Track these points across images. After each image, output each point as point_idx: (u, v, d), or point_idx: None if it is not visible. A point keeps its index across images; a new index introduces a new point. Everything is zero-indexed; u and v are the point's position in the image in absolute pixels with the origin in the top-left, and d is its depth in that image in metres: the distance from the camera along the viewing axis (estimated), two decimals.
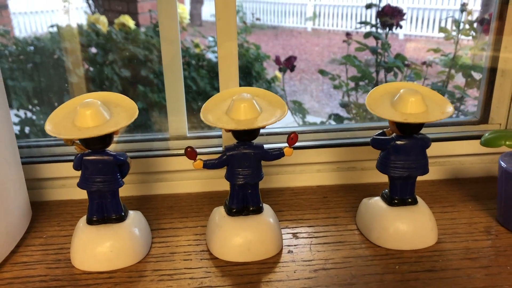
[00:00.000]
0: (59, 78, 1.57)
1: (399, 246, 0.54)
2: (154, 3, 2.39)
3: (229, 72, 0.64)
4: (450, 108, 0.50)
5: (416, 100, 0.50)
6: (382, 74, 1.55)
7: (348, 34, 1.82)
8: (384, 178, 0.55)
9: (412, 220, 0.54)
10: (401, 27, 1.63)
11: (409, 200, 0.55)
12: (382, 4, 1.54)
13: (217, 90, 1.32)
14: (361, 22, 1.86)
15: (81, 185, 0.51)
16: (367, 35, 1.57)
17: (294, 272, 0.50)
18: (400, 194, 0.55)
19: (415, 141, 0.52)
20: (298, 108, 1.78)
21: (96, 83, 1.66)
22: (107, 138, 0.49)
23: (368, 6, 1.90)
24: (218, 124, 0.49)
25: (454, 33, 1.38)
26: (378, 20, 1.62)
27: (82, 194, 0.63)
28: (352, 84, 1.58)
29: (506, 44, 0.69)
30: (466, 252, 0.53)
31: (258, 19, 5.10)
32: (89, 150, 0.50)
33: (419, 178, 0.55)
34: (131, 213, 0.55)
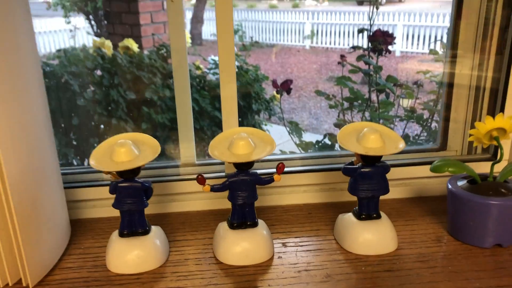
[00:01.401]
0: (67, 101, 1.71)
1: (366, 252, 0.68)
2: (157, 27, 2.54)
3: (231, 110, 0.79)
4: (401, 144, 0.65)
5: (376, 137, 0.65)
6: (375, 94, 1.71)
7: (342, 56, 1.98)
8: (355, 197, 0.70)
9: (376, 231, 0.69)
10: (390, 52, 1.79)
11: (374, 215, 0.70)
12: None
13: (217, 109, 1.51)
14: (353, 47, 2.02)
15: (115, 205, 0.66)
16: (359, 58, 1.73)
17: (282, 272, 0.65)
18: (366, 211, 0.69)
19: (376, 168, 0.67)
20: (295, 128, 1.93)
21: (103, 105, 1.80)
22: (136, 170, 0.65)
23: (360, 31, 2.08)
24: (222, 158, 0.64)
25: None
26: (369, 44, 1.79)
27: (109, 213, 0.79)
28: (347, 104, 1.73)
29: (458, 81, 0.85)
30: (418, 256, 0.68)
31: (256, 42, 5.27)
32: (122, 179, 0.65)
33: (387, 197, 0.70)
34: (153, 227, 0.70)
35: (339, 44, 6.28)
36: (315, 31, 6.51)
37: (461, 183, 0.71)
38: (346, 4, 7.70)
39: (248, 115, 2.05)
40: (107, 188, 0.67)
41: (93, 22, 2.67)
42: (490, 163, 0.71)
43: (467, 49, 0.83)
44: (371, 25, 1.82)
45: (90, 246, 0.73)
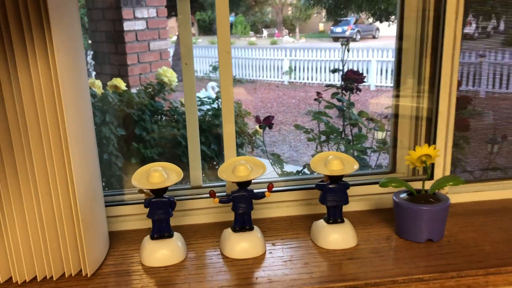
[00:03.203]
0: None
1: (333, 247, 0.94)
2: (144, 66, 2.75)
3: (231, 143, 1.05)
4: (356, 166, 0.93)
5: (337, 162, 0.92)
6: (350, 127, 1.98)
7: (318, 93, 2.27)
8: (325, 209, 0.97)
9: (341, 231, 0.95)
10: (360, 90, 2.09)
11: (339, 220, 0.96)
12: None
13: (203, 144, 1.81)
14: (327, 85, 2.30)
15: (149, 215, 0.91)
16: (333, 95, 2.02)
17: (273, 262, 0.90)
18: (333, 217, 0.96)
19: (339, 185, 0.94)
20: (277, 160, 2.20)
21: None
22: (165, 189, 0.90)
23: (334, 71, 2.40)
24: (229, 179, 0.90)
25: None
26: (342, 83, 2.08)
27: (133, 226, 1.04)
28: (324, 137, 2.01)
29: (401, 111, 1.13)
30: (372, 249, 0.94)
31: (239, 80, 5.59)
32: (154, 195, 0.91)
33: (351, 209, 0.97)
34: (175, 233, 0.95)
35: (316, 79, 6.65)
36: (293, 67, 6.86)
37: (402, 195, 0.98)
38: (322, 41, 8.15)
39: None
40: (132, 206, 0.92)
41: None
42: (428, 181, 0.99)
43: (407, 83, 1.12)
44: (343, 66, 2.13)
45: (125, 250, 0.97)
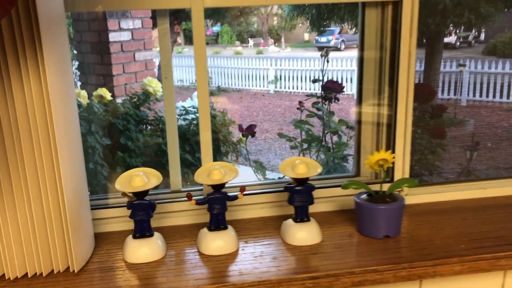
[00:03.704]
0: None
1: (300, 243, 1.04)
2: (129, 77, 2.81)
3: (207, 150, 1.15)
4: (319, 169, 1.03)
5: (303, 166, 1.03)
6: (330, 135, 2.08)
7: (300, 103, 2.38)
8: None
9: (307, 230, 1.05)
10: (338, 100, 2.20)
11: (305, 219, 1.06)
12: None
13: (188, 153, 1.91)
14: (308, 95, 2.41)
15: (131, 216, 1.00)
16: (314, 104, 2.13)
17: (245, 258, 1.00)
18: (300, 216, 1.06)
19: (305, 187, 1.05)
20: (259, 167, 2.30)
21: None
22: (146, 192, 1.00)
23: (314, 81, 2.50)
24: (205, 182, 1.00)
25: None
26: (322, 92, 2.19)
27: (117, 228, 1.12)
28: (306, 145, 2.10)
29: (364, 118, 1.24)
30: (335, 245, 1.04)
31: (223, 90, 5.69)
32: (135, 198, 1.00)
33: (318, 210, 1.07)
34: (155, 233, 1.04)
35: (301, 88, 6.77)
36: (279, 77, 6.98)
37: (362, 196, 1.09)
38: (307, 50, 8.30)
39: (217, 157, 2.35)
40: (115, 209, 1.02)
41: None
42: (387, 183, 1.10)
43: (369, 91, 1.23)
44: (323, 76, 2.24)
45: (110, 248, 1.07)
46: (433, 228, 1.10)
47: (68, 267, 0.96)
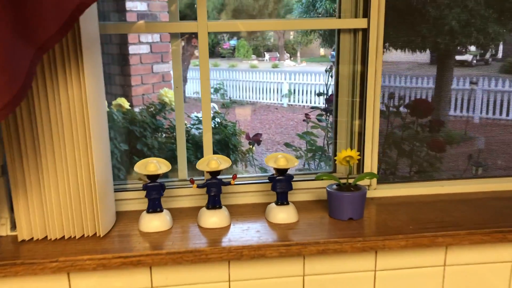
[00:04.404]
0: None
1: (280, 222, 1.31)
2: (147, 87, 3.03)
3: (209, 147, 1.43)
4: (296, 163, 1.30)
5: (283, 160, 1.30)
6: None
7: (306, 115, 2.64)
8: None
9: (286, 211, 1.32)
10: None
11: (285, 203, 1.33)
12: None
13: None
14: (312, 107, 2.66)
15: (146, 196, 1.28)
16: (318, 116, 2.38)
17: (234, 231, 1.27)
18: (281, 200, 1.33)
19: (285, 177, 1.32)
20: (263, 173, 2.55)
21: None
22: (158, 175, 1.28)
23: (319, 94, 2.76)
24: (204, 169, 1.28)
25: None
26: (326, 105, 2.45)
27: (132, 207, 1.40)
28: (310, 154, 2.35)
29: (339, 126, 1.51)
30: (309, 224, 1.30)
31: (234, 102, 5.98)
32: (149, 181, 1.28)
33: (298, 199, 1.34)
34: (164, 210, 1.32)
35: (314, 102, 7.00)
36: (292, 90, 7.22)
37: (333, 186, 1.35)
38: (323, 65, 8.55)
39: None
40: (131, 192, 1.30)
41: None
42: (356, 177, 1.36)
43: (343, 102, 1.49)
44: (327, 90, 2.50)
45: (128, 222, 1.35)
46: (390, 214, 1.36)
47: (96, 233, 1.25)
